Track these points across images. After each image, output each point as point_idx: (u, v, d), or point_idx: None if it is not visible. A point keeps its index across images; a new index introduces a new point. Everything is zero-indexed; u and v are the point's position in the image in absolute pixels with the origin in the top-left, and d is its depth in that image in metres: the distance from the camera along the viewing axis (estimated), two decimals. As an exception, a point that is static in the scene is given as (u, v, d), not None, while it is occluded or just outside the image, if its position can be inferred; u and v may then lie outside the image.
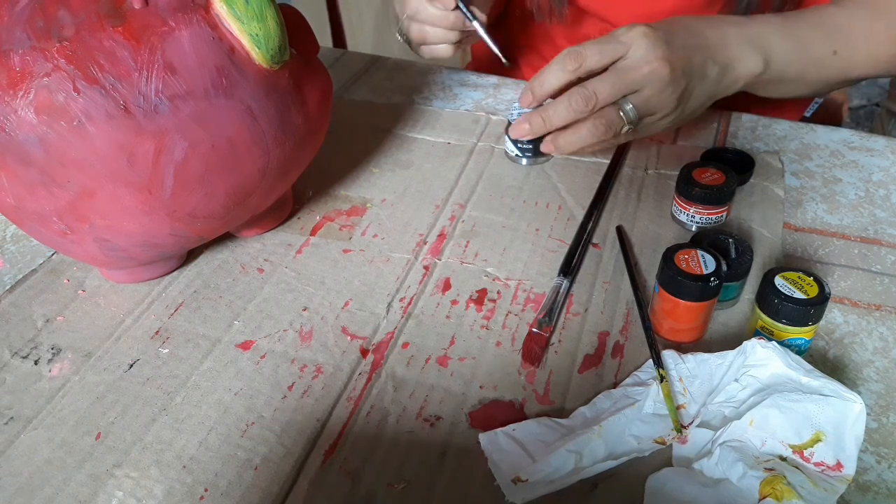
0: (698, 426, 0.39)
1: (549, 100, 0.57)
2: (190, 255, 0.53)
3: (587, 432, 0.38)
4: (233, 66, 0.41)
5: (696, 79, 0.56)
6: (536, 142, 0.60)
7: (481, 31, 0.62)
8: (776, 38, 0.60)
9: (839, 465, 0.36)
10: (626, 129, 0.56)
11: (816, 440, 0.37)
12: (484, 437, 0.39)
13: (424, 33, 0.64)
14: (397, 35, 0.68)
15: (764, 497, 0.35)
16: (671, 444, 0.39)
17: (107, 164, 0.40)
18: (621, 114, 0.55)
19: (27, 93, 0.38)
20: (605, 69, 0.55)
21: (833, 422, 0.36)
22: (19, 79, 0.38)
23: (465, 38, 0.65)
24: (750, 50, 0.58)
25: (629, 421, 0.39)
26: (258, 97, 0.43)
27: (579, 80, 0.55)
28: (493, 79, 0.75)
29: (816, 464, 0.37)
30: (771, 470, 0.36)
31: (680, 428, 0.39)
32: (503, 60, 0.64)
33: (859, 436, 0.36)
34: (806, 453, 0.37)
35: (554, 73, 0.55)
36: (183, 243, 0.49)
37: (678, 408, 0.40)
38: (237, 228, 0.53)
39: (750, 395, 0.39)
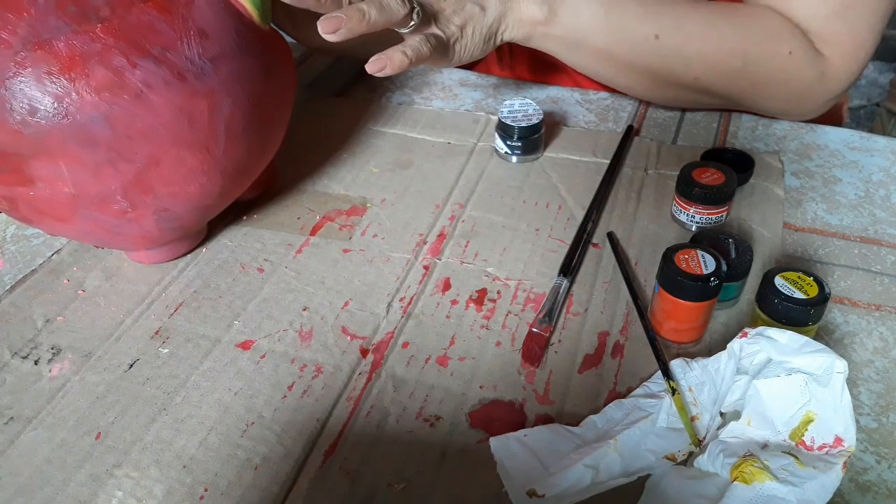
0: (711, 438, 0.39)
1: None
2: (190, 255, 0.53)
3: (603, 446, 0.37)
4: (245, 28, 0.45)
5: None
6: (525, 140, 0.60)
7: None
8: None
9: (838, 441, 0.36)
10: (413, 22, 0.52)
11: (808, 421, 0.37)
12: (495, 442, 0.39)
13: None
14: None
15: (733, 481, 0.35)
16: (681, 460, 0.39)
17: (170, 130, 0.42)
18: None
19: (83, 74, 0.39)
20: None
21: (820, 399, 0.36)
22: (70, 63, 0.38)
23: None
24: None
25: (644, 435, 0.39)
26: (266, 55, 0.47)
27: None
28: (493, 79, 0.75)
29: (819, 448, 0.36)
30: (747, 456, 0.36)
31: (698, 442, 0.39)
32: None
33: (848, 401, 0.36)
34: (807, 441, 0.37)
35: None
36: (223, 204, 0.51)
37: (692, 419, 0.39)
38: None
39: (743, 391, 0.39)
